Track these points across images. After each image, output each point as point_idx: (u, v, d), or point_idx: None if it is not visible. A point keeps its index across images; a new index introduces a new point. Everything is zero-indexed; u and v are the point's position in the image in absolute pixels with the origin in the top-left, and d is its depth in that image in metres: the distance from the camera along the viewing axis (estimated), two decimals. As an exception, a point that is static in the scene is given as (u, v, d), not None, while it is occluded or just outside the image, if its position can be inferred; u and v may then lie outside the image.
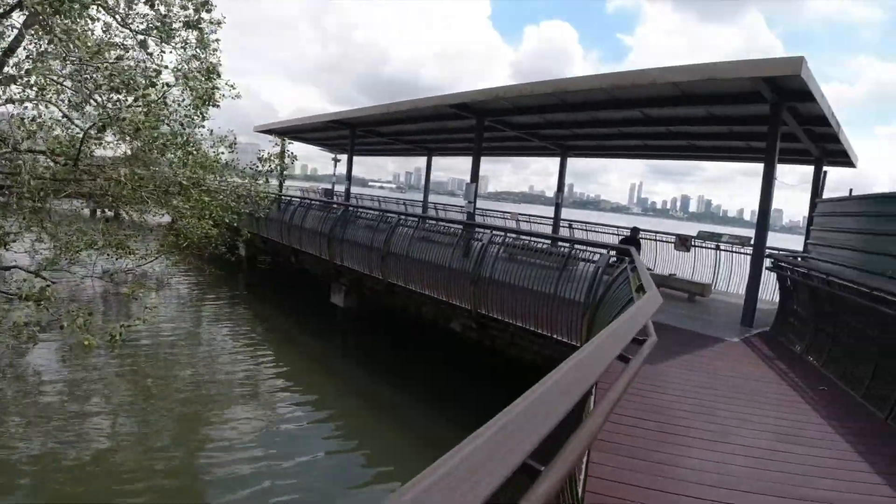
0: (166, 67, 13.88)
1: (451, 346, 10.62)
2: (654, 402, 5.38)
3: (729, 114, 11.35)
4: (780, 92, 9.30)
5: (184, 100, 13.64)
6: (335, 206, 14.42)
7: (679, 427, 4.83)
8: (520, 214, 20.62)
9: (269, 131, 25.79)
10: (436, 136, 20.27)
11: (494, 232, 9.14)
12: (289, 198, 16.76)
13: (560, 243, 8.52)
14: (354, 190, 43.21)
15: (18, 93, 11.30)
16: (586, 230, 17.74)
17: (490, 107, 13.93)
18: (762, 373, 6.89)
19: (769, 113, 9.69)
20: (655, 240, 15.52)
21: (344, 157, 30.40)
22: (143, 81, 11.37)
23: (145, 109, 11.65)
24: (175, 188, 13.23)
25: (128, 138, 12.55)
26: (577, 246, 7.89)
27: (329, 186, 31.97)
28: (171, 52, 14.75)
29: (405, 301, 10.95)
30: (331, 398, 9.62)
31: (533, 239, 9.03)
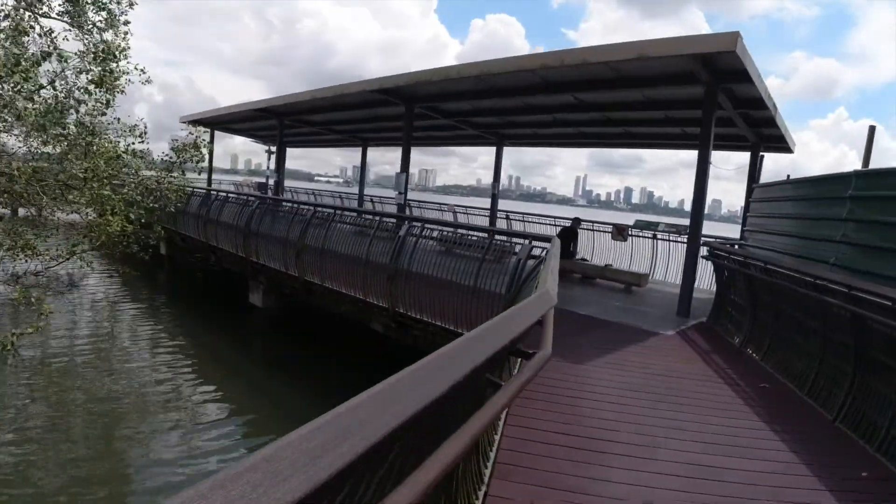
0: (58, 52, 12.57)
1: (372, 346, 9.74)
2: (574, 411, 4.68)
3: (665, 97, 10.84)
4: (715, 73, 8.80)
5: (78, 85, 12.41)
6: (251, 198, 13.28)
7: (601, 442, 4.12)
8: (457, 206, 19.89)
9: (197, 122, 24.26)
10: (369, 125, 19.24)
11: (412, 223, 8.29)
12: (205, 191, 15.47)
13: (480, 234, 7.74)
14: (298, 185, 41.79)
15: None
16: (524, 221, 17.12)
17: (418, 92, 13.08)
18: (698, 369, 6.31)
19: (704, 95, 9.19)
20: (593, 230, 15.02)
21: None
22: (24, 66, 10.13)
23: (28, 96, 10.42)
24: (74, 182, 11.94)
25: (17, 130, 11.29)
26: (497, 237, 7.13)
27: (263, 180, 30.44)
28: (77, 37, 13.46)
29: (323, 300, 10.01)
30: (245, 408, 8.64)
31: (455, 231, 8.21)
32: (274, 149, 29.16)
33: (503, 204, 19.00)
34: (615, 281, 12.08)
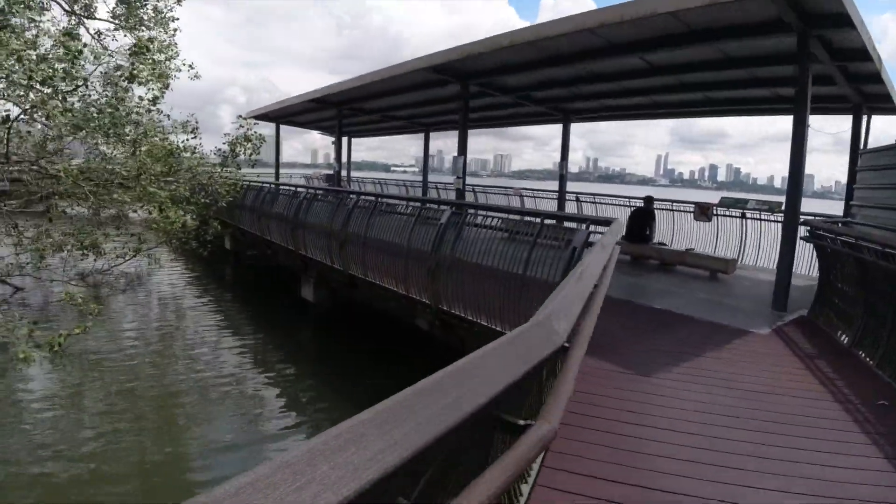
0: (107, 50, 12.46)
1: (418, 345, 8.93)
2: (635, 447, 3.62)
3: (746, 52, 9.27)
4: (806, 17, 7.29)
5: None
6: (300, 189, 12.75)
7: (665, 493, 3.07)
8: (524, 189, 18.69)
9: (260, 117, 24.33)
10: (428, 109, 18.35)
11: (455, 208, 7.35)
12: (260, 184, 15.15)
13: (532, 219, 6.68)
14: (371, 175, 41.59)
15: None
16: (595, 203, 15.76)
17: (472, 67, 12.06)
18: (797, 381, 5.04)
19: (797, 46, 7.68)
20: (672, 210, 13.51)
21: (345, 141, 28.95)
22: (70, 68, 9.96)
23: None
24: (121, 180, 11.84)
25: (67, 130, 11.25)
26: (547, 221, 6.08)
27: (331, 172, 30.34)
28: (125, 35, 13.39)
29: (367, 294, 9.31)
30: (292, 405, 8.31)
31: (507, 216, 7.18)
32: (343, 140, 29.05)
33: (580, 186, 17.78)
34: (698, 267, 10.67)
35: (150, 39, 12.93)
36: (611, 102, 14.41)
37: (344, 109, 18.78)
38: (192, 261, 18.84)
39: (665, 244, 12.61)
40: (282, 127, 25.14)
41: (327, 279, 10.86)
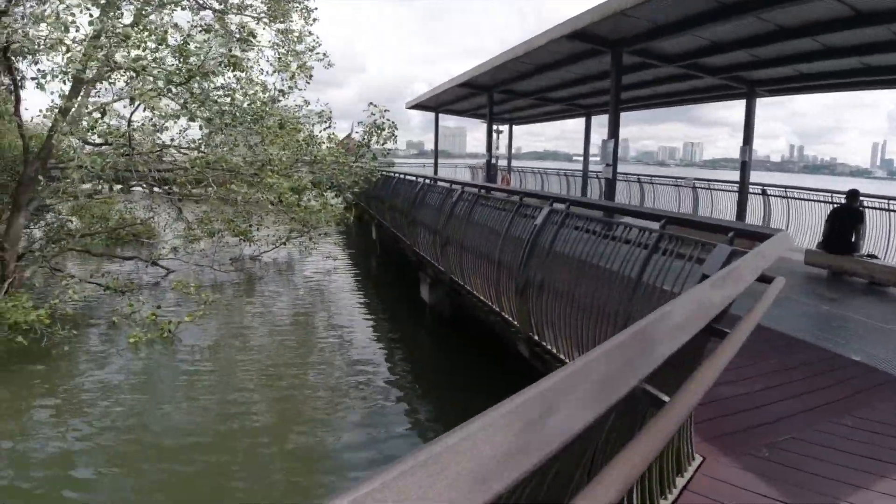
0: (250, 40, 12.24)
1: (522, 375, 7.09)
2: None
3: None
4: None
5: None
6: (420, 179, 11.43)
7: None
8: (698, 180, 15.47)
9: (418, 106, 23.76)
10: (585, 89, 15.95)
11: (555, 205, 5.35)
12: (395, 175, 14.16)
13: (650, 224, 4.49)
14: (543, 165, 39.51)
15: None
16: (787, 197, 12.30)
17: (621, 31, 9.74)
18: None
19: None
20: (888, 209, 9.83)
21: (506, 129, 27.41)
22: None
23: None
24: (243, 171, 11.55)
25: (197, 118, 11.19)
26: (668, 227, 3.90)
27: (493, 161, 28.94)
28: (264, 27, 13.21)
29: (470, 304, 7.66)
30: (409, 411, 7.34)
31: (610, 219, 5.04)
32: (503, 128, 27.56)
33: (778, 178, 14.34)
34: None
35: (288, 31, 12.53)
36: (807, 68, 10.99)
37: (494, 93, 17.19)
38: (342, 249, 18.78)
39: (877, 257, 9.17)
40: (466, 119, 24.42)
41: (438, 280, 9.42)
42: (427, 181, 10.64)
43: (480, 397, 5.89)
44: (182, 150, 12.33)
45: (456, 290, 7.98)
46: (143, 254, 13.91)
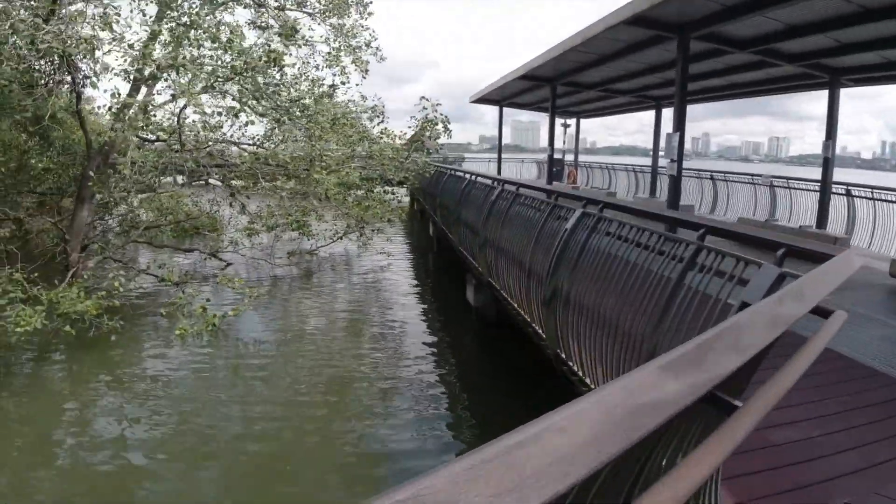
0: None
1: (564, 393, 6.44)
2: None
3: None
4: None
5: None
6: (467, 175, 10.87)
7: None
8: (776, 178, 13.98)
9: (481, 100, 23.17)
10: (654, 79, 14.81)
11: (588, 208, 4.68)
12: (446, 170, 13.66)
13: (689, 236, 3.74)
14: (619, 161, 37.84)
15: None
16: (874, 199, 10.84)
17: (688, 14, 8.81)
18: None
19: None
20: None
21: (574, 123, 26.34)
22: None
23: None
24: (296, 165, 11.42)
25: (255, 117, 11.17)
26: (706, 242, 3.18)
27: (558, 156, 27.84)
28: (319, 23, 13.09)
29: (506, 310, 7.08)
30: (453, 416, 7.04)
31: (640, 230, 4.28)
32: (570, 122, 26.53)
33: (869, 177, 12.85)
34: None
35: (341, 26, 12.33)
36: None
37: (557, 85, 16.36)
38: (400, 245, 18.49)
39: None
40: (539, 113, 23.70)
41: (482, 283, 8.88)
42: (472, 177, 10.08)
43: (518, 403, 5.43)
44: (241, 146, 12.44)
45: (495, 295, 7.42)
46: (208, 246, 14.17)
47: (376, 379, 8.08)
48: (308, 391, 7.62)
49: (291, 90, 11.12)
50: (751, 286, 2.59)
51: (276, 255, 14.49)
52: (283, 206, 13.56)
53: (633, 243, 3.80)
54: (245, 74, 9.12)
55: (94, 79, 9.34)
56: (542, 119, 26.67)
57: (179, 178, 13.22)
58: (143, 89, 10.63)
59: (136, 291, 11.94)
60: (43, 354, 9.04)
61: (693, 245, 3.17)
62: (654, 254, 3.53)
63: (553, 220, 5.20)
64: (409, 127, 12.81)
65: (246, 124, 11.15)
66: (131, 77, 10.69)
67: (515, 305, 6.18)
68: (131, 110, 10.43)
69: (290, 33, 9.71)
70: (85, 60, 10.77)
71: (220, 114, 9.81)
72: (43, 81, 10.67)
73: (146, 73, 11.07)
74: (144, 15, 10.41)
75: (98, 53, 10.27)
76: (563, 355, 4.61)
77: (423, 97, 12.35)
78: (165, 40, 10.54)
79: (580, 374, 4.29)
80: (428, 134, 12.61)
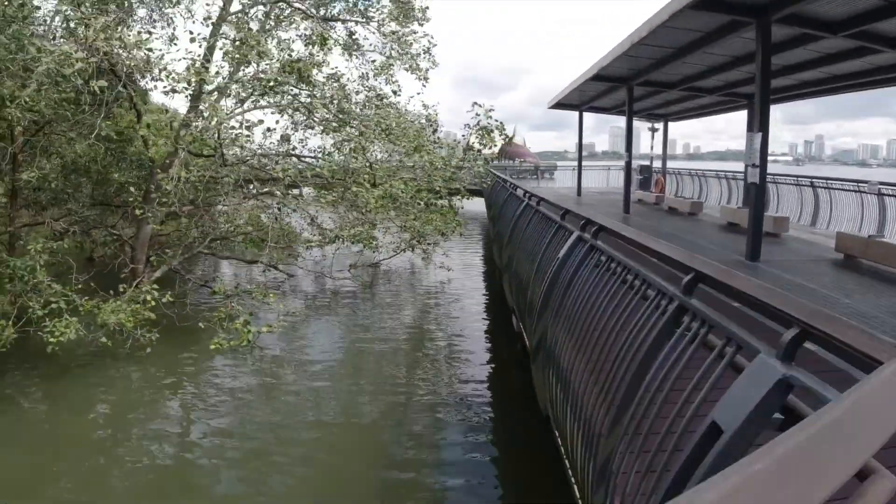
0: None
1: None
2: None
3: None
4: None
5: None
6: (506, 186, 9.74)
7: None
8: (884, 186, 11.36)
9: (559, 105, 21.79)
10: (742, 74, 12.89)
11: (583, 234, 3.51)
12: (498, 181, 12.60)
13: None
14: (728, 167, 34.42)
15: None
16: None
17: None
18: None
19: None
20: None
21: (661, 126, 24.19)
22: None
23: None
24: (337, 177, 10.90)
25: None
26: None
27: (646, 163, 25.68)
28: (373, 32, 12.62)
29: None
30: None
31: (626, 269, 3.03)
32: (658, 126, 24.41)
33: None
34: None
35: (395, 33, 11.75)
36: None
37: (633, 86, 14.80)
38: (465, 259, 17.55)
39: None
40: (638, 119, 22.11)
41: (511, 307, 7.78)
42: (511, 188, 8.99)
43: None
44: (303, 158, 12.18)
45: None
46: (276, 258, 14.00)
47: (412, 396, 8.07)
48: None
49: (342, 101, 10.67)
50: (737, 389, 1.44)
51: (337, 268, 14.12)
52: (345, 219, 13.11)
53: (617, 281, 2.66)
54: (276, 86, 8.66)
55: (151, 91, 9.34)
56: (641, 125, 24.67)
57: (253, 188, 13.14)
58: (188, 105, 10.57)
59: (205, 304, 11.93)
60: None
61: (676, 301, 2.02)
62: (639, 297, 2.38)
63: (555, 244, 4.08)
64: (463, 136, 11.88)
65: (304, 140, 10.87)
66: (188, 94, 10.71)
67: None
68: (184, 127, 10.39)
69: (322, 42, 9.14)
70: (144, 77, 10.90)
71: (248, 127, 9.42)
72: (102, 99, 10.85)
73: (206, 88, 11.05)
74: (192, 34, 10.30)
75: (157, 70, 10.39)
76: (556, 431, 3.49)
77: (475, 102, 11.37)
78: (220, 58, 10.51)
79: (562, 451, 3.17)
80: (482, 142, 11.61)
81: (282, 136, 10.24)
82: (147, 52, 10.47)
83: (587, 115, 26.12)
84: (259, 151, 10.85)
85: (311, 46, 9.34)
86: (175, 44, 10.87)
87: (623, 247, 3.05)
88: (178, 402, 8.40)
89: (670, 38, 10.15)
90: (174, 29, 11.28)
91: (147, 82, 11.39)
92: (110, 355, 9.14)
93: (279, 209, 11.08)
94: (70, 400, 8.35)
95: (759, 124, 8.62)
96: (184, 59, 10.68)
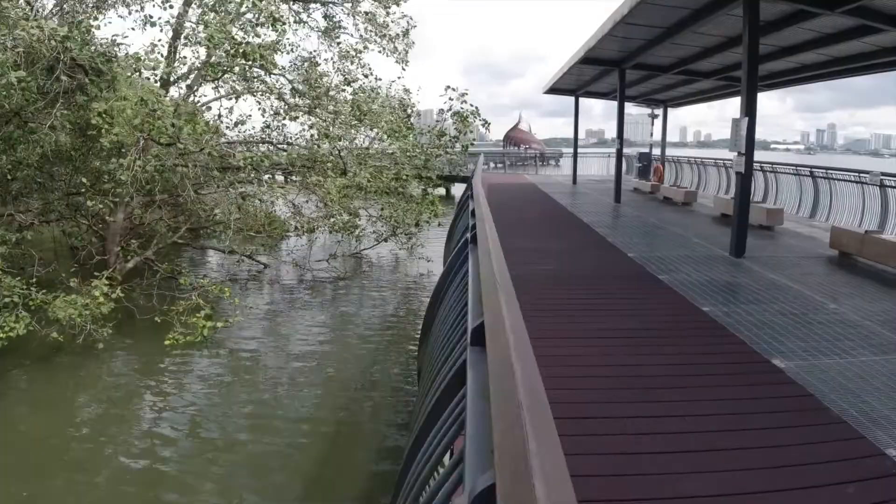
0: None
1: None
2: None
3: None
4: None
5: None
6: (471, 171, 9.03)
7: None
8: (887, 177, 10.33)
9: (553, 90, 20.92)
10: (737, 57, 11.96)
11: (476, 230, 2.83)
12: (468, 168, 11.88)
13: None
14: (730, 156, 33.07)
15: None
16: None
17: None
18: None
19: None
20: None
21: (660, 112, 23.19)
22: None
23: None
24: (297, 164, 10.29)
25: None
26: None
27: (646, 150, 24.69)
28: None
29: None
30: None
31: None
32: (658, 112, 23.41)
33: None
34: None
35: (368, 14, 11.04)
36: None
37: (626, 69, 13.93)
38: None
39: None
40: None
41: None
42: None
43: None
44: (278, 146, 11.55)
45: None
46: (252, 250, 13.43)
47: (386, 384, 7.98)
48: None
49: (316, 81, 10.05)
50: None
51: (316, 258, 13.56)
52: (330, 209, 12.50)
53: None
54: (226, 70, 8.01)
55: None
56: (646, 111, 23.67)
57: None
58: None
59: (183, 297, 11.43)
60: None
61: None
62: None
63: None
64: (437, 122, 11.16)
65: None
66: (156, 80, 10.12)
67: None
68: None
69: (272, 22, 8.48)
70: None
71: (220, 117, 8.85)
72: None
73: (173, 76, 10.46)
74: (150, 18, 9.69)
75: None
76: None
77: (448, 86, 10.56)
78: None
79: None
80: (457, 128, 10.87)
81: (236, 122, 9.66)
82: (112, 39, 9.97)
83: (598, 102, 25.18)
84: (223, 140, 10.22)
85: (259, 27, 8.66)
86: (151, 27, 10.27)
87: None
88: (148, 399, 7.82)
89: (657, 17, 9.34)
90: (145, 15, 10.67)
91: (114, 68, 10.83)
92: (76, 352, 8.64)
93: (243, 198, 10.45)
94: (32, 397, 7.91)
95: (745, 108, 7.82)
96: (152, 44, 10.20)
